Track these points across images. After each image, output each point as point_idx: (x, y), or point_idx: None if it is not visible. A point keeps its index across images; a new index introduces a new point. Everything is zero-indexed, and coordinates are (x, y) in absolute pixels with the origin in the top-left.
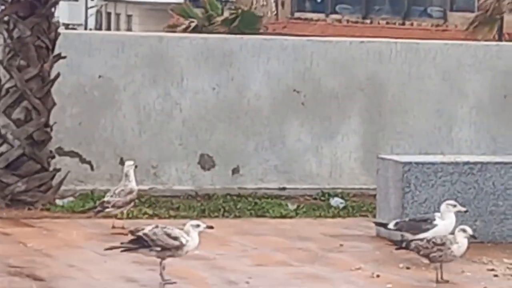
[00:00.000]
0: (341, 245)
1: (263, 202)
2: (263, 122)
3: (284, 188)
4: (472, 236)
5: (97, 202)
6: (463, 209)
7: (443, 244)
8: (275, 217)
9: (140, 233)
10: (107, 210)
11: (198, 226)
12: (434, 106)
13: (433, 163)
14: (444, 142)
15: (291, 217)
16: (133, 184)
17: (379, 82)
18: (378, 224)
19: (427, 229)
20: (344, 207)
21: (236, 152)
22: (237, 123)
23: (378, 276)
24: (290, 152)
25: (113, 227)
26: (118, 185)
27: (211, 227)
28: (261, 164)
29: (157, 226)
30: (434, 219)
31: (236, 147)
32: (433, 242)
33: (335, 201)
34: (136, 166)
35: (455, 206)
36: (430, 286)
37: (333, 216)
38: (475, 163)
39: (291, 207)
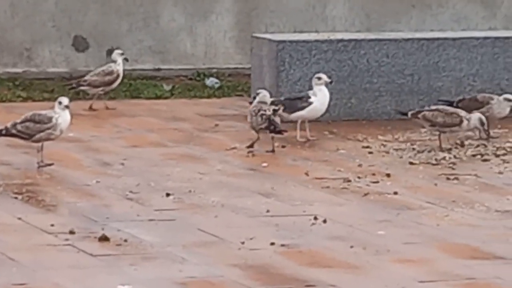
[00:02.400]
0: (216, 125)
1: (137, 83)
2: (136, 2)
3: (159, 69)
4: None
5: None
6: (328, 80)
7: None
8: (150, 98)
9: (14, 131)
10: (82, 88)
11: (60, 103)
12: None
13: (307, 41)
14: (318, 19)
15: (166, 98)
16: (117, 68)
17: None
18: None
19: (303, 107)
20: (219, 87)
21: (110, 33)
22: (110, 3)
23: (253, 155)
24: (164, 32)
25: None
26: None
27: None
28: (135, 44)
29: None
30: (309, 97)
31: (110, 27)
32: None
33: (210, 81)
34: (126, 60)
35: (320, 79)
36: (306, 164)
37: (208, 96)
38: (349, 41)
39: (166, 87)
